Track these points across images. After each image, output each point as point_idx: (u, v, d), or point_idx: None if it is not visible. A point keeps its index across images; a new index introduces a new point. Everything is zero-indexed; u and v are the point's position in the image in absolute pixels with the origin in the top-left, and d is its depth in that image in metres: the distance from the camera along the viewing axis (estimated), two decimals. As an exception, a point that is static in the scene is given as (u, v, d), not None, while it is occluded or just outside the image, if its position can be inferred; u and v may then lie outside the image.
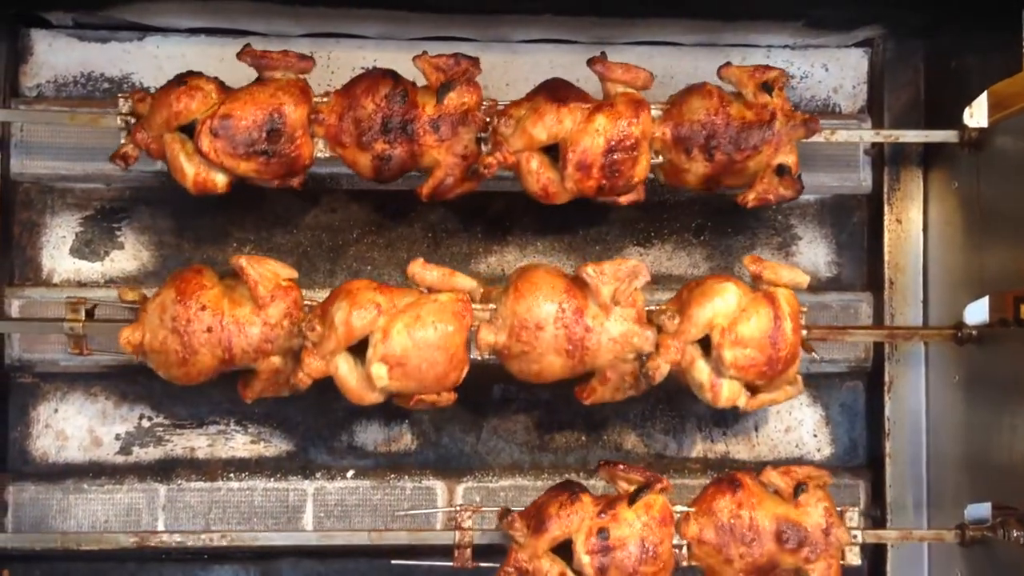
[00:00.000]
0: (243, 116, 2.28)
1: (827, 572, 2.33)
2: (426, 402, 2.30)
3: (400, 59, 2.67)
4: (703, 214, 2.75)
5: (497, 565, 2.31)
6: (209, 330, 2.23)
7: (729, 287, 2.34)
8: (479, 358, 2.35)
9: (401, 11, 2.60)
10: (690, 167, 2.40)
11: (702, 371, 2.34)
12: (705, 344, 2.34)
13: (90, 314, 2.33)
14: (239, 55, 2.35)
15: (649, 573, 2.26)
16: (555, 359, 2.31)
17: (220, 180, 2.34)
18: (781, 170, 2.40)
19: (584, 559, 2.25)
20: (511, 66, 2.69)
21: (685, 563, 2.34)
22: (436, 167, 2.37)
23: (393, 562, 2.40)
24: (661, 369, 2.31)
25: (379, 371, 2.23)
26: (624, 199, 2.44)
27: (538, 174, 2.37)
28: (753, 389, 2.40)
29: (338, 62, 2.69)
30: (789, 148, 2.40)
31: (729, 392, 2.36)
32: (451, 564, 2.33)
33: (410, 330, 2.22)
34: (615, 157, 2.34)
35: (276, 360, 2.28)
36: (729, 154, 2.38)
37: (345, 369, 2.26)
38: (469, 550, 2.33)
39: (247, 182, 2.37)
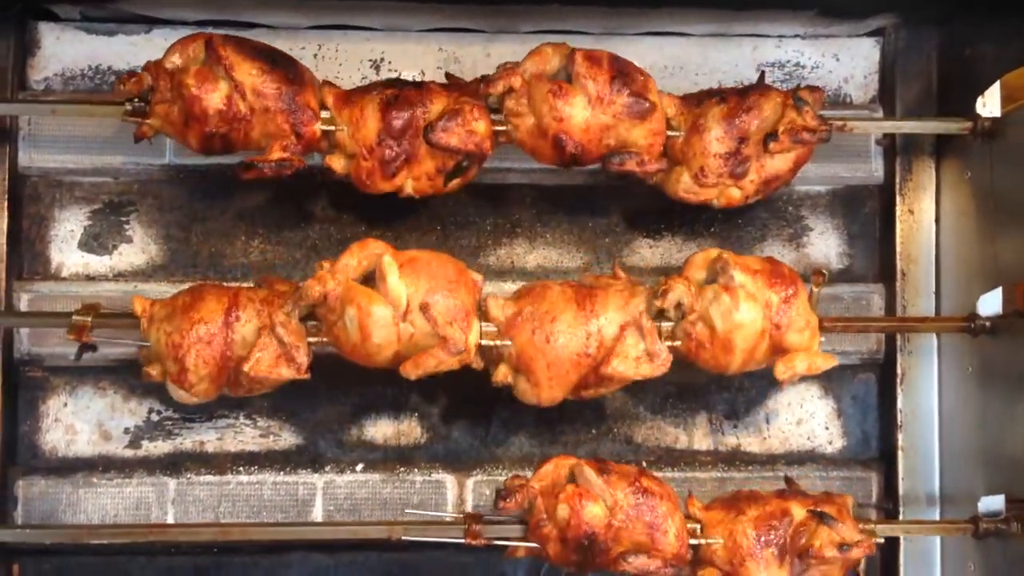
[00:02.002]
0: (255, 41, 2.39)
1: (840, 514, 2.34)
2: (438, 327, 2.25)
3: (408, 51, 2.68)
4: (713, 205, 2.74)
5: (508, 544, 2.35)
6: (217, 285, 2.35)
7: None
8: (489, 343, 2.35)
9: (409, 2, 2.59)
10: (708, 114, 2.40)
11: (712, 286, 2.35)
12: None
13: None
14: None
15: (653, 499, 2.28)
16: (565, 306, 2.31)
17: (223, 84, 2.29)
18: (797, 100, 2.40)
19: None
20: (519, 57, 2.66)
21: (701, 540, 2.34)
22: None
23: (405, 537, 2.37)
24: (675, 289, 2.31)
25: (390, 266, 2.24)
26: (651, 163, 2.39)
27: (547, 79, 2.36)
28: (779, 348, 2.38)
29: (346, 54, 2.68)
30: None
31: (747, 302, 2.32)
32: (462, 540, 2.34)
33: (420, 248, 2.35)
34: (622, 63, 2.38)
35: (281, 316, 2.28)
36: (739, 95, 2.42)
37: (357, 286, 2.27)
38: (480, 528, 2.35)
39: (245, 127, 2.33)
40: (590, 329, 2.32)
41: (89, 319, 2.32)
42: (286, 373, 2.30)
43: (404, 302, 2.25)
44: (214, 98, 2.30)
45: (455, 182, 2.43)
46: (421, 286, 2.26)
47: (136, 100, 2.35)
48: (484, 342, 2.34)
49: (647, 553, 2.25)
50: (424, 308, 2.25)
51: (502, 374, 2.36)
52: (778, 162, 2.45)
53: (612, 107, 2.36)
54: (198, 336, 2.27)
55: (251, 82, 2.31)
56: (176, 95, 2.30)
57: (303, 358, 2.30)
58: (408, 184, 2.41)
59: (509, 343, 2.33)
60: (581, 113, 2.35)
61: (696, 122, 2.42)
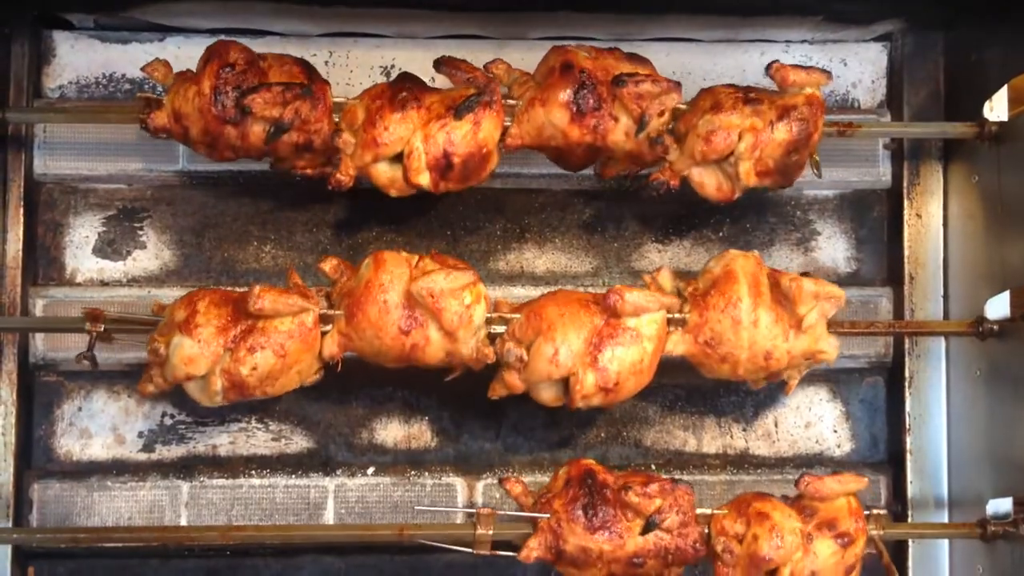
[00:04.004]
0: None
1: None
2: (446, 265, 2.33)
3: (418, 58, 2.70)
4: (722, 209, 2.75)
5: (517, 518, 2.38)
6: None
7: None
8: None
9: (419, 10, 2.61)
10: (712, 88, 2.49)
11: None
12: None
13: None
14: None
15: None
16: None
17: (245, 43, 2.38)
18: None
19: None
20: (528, 64, 2.67)
21: (709, 510, 2.37)
22: None
23: (416, 522, 2.39)
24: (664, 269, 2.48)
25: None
26: (662, 80, 2.40)
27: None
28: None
29: (356, 61, 2.70)
30: None
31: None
32: (471, 551, 2.35)
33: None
34: None
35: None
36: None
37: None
38: (489, 543, 2.34)
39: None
40: (595, 292, 2.41)
41: (103, 323, 2.35)
42: (297, 301, 2.27)
43: (415, 258, 2.34)
44: (236, 44, 2.36)
45: (466, 125, 2.35)
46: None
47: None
48: (495, 323, 2.37)
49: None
50: (435, 255, 2.33)
51: (514, 346, 2.35)
52: (789, 98, 2.43)
53: (612, 56, 2.43)
54: (214, 288, 2.35)
55: (269, 50, 2.39)
56: (198, 66, 2.37)
57: (315, 296, 2.31)
58: (417, 139, 2.35)
59: (519, 316, 2.37)
60: (584, 56, 2.41)
61: (700, 91, 2.49)
